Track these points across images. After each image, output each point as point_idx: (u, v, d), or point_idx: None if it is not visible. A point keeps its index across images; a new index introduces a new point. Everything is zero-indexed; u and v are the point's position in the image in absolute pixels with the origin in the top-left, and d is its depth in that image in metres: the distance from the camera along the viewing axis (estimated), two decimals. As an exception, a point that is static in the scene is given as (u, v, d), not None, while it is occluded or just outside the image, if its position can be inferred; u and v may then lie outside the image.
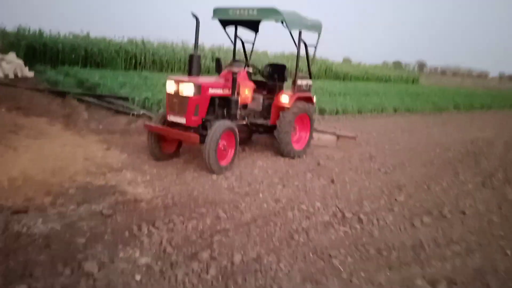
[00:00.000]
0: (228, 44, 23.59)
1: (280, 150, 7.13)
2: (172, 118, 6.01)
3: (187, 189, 5.09)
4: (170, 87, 5.99)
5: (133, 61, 19.63)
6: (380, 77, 33.31)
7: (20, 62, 15.14)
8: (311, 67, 7.56)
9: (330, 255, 3.62)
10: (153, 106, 10.37)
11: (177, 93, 5.90)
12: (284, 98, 7.00)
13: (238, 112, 6.51)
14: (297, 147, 7.35)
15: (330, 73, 28.81)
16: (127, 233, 3.73)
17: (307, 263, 3.47)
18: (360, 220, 4.55)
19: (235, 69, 6.24)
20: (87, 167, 5.58)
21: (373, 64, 41.11)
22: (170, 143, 6.47)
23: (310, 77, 7.53)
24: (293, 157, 7.18)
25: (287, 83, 7.57)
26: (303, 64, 7.72)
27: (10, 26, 18.90)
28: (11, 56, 15.23)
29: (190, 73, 6.68)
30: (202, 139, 5.82)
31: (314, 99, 7.64)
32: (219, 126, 5.80)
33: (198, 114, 5.93)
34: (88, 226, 3.80)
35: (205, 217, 4.24)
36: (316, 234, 4.08)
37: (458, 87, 35.32)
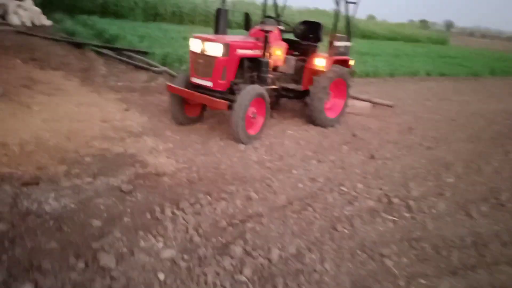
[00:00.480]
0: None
1: (312, 119, 6.53)
2: (196, 80, 5.43)
3: (213, 161, 4.60)
4: (195, 46, 5.36)
5: (153, 12, 18.77)
6: (408, 37, 31.64)
7: (38, 9, 14.53)
8: (351, 26, 6.77)
9: (381, 254, 3.12)
10: (174, 62, 9.76)
11: (202, 53, 5.27)
12: (320, 61, 6.31)
13: (269, 75, 5.88)
14: (330, 115, 6.72)
15: (356, 31, 27.34)
16: (148, 215, 3.28)
17: (356, 264, 2.98)
18: (409, 208, 4.01)
19: (267, 27, 5.54)
20: (104, 131, 5.12)
21: (398, 22, 39.11)
22: (193, 107, 5.93)
23: (350, 38, 6.76)
24: (326, 127, 6.58)
25: (322, 44, 6.85)
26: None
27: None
28: (28, 3, 14.60)
29: (217, 30, 6.02)
30: (230, 105, 5.26)
31: (352, 63, 6.92)
32: (249, 91, 5.21)
33: (226, 77, 5.33)
34: (105, 205, 3.36)
35: (235, 198, 3.77)
36: (362, 224, 3.57)
37: (490, 50, 33.32)
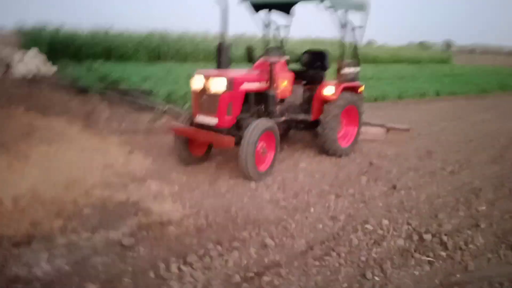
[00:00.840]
0: (251, 33, 22.48)
1: (325, 149, 6.18)
2: (200, 119, 5.16)
3: (222, 204, 4.24)
4: (197, 82, 5.12)
5: (156, 52, 18.95)
6: (410, 59, 31.57)
7: (42, 58, 14.68)
8: (358, 51, 6.53)
9: (423, 307, 2.70)
10: (178, 100, 9.59)
11: (205, 89, 5.02)
12: (328, 90, 6.03)
13: (277, 107, 5.58)
14: (343, 144, 6.37)
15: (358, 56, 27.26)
16: (152, 274, 2.91)
17: (395, 321, 2.56)
18: (443, 244, 3.58)
19: (272, 58, 5.30)
20: (106, 178, 4.81)
21: (398, 45, 39.26)
22: (199, 145, 5.63)
23: (358, 63, 6.50)
24: (340, 156, 6.22)
25: (330, 71, 6.60)
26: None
27: (32, 21, 18.45)
28: (33, 52, 14.80)
29: (219, 65, 5.80)
30: (237, 141, 4.96)
31: (362, 88, 6.63)
32: (257, 126, 4.90)
33: (232, 113, 5.05)
34: (103, 264, 3.00)
35: (248, 245, 3.38)
36: (394, 269, 3.15)
37: (493, 66, 32.97)
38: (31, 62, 14.15)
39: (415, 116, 10.57)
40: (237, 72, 5.60)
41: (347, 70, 6.21)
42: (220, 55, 5.83)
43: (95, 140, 6.52)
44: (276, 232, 3.64)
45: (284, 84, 5.81)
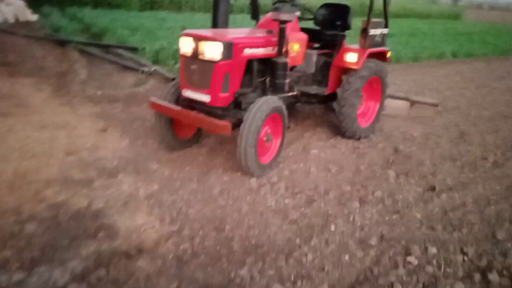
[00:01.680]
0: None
1: (341, 130, 5.09)
2: (189, 93, 4.01)
3: (214, 215, 3.22)
4: (186, 46, 3.92)
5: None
6: (420, 14, 29.61)
7: (22, 3, 13.12)
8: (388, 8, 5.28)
9: None
10: (167, 59, 8.32)
11: (196, 56, 3.84)
12: (351, 56, 4.84)
13: (287, 79, 4.41)
14: (363, 123, 5.28)
15: (365, 9, 25.37)
16: None
17: None
18: (517, 291, 2.61)
19: (283, 15, 4.05)
20: (66, 170, 3.75)
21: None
22: (187, 125, 4.53)
23: (387, 24, 5.27)
24: (358, 139, 5.16)
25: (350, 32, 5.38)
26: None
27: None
28: (11, -4, 13.21)
29: (215, 21, 4.56)
30: (235, 124, 3.87)
31: (389, 54, 5.46)
32: (261, 108, 3.78)
33: (229, 88, 3.90)
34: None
35: (248, 295, 2.40)
36: None
37: (506, 24, 31.00)
38: (9, 9, 12.64)
39: (434, 81, 9.42)
40: (237, 33, 4.37)
41: (374, 32, 5.00)
42: (217, 7, 4.57)
43: (63, 111, 5.40)
44: (287, 269, 2.64)
45: (295, 48, 4.62)
